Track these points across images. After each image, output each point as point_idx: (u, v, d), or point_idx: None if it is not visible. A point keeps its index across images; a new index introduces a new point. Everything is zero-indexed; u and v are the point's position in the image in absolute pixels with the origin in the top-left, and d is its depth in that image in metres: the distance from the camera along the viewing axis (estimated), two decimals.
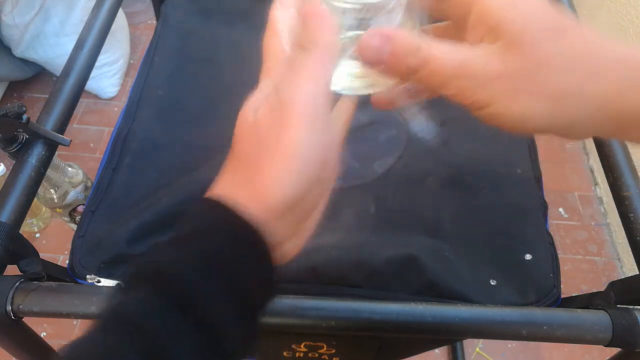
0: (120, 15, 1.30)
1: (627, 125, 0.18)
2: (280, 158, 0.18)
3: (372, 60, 0.19)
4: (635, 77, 0.17)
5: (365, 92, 0.22)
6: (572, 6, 0.53)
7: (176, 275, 0.17)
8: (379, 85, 0.22)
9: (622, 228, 0.39)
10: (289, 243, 0.20)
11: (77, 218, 0.73)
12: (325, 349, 0.43)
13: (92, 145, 1.22)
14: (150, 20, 1.49)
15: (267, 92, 0.21)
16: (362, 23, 0.20)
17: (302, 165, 0.18)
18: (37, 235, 1.07)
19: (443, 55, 0.18)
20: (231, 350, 0.17)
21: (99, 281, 0.39)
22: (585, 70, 0.17)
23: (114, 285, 0.38)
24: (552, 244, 0.43)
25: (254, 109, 0.21)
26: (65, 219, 0.74)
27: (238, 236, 0.17)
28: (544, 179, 0.47)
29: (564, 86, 0.18)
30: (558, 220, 1.14)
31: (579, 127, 0.18)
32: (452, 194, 0.46)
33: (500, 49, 0.18)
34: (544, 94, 0.18)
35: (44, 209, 1.07)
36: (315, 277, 0.39)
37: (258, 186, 0.18)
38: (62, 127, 0.42)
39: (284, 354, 0.45)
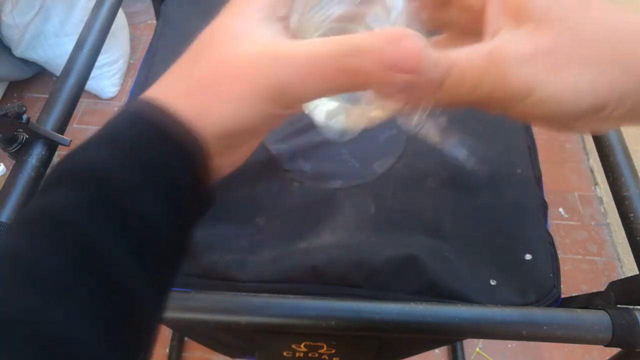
0: (121, 15, 1.30)
1: None
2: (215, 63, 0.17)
3: (392, 93, 0.16)
4: None
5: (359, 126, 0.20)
6: None
7: (111, 177, 0.15)
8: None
9: (622, 228, 0.39)
10: (224, 159, 0.18)
11: None
12: (325, 349, 0.43)
13: None
14: (150, 20, 1.49)
15: None
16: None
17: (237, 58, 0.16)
18: None
19: (466, 55, 0.16)
20: (164, 253, 0.16)
21: None
22: (625, 38, 0.16)
23: None
24: (552, 244, 0.43)
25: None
26: None
27: (171, 136, 0.16)
28: (544, 179, 0.47)
29: (608, 55, 0.16)
30: (558, 220, 1.14)
31: (630, 99, 0.16)
32: (452, 194, 0.46)
33: (529, 30, 0.16)
34: (589, 65, 0.16)
35: None
36: (315, 277, 0.39)
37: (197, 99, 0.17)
38: (62, 127, 0.42)
39: (284, 354, 0.45)
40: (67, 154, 0.16)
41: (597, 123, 0.18)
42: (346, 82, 0.15)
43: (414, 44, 0.15)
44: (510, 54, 0.16)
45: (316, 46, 0.15)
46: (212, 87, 0.16)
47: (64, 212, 0.14)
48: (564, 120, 0.17)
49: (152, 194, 0.15)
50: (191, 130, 0.16)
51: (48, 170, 0.18)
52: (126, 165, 0.15)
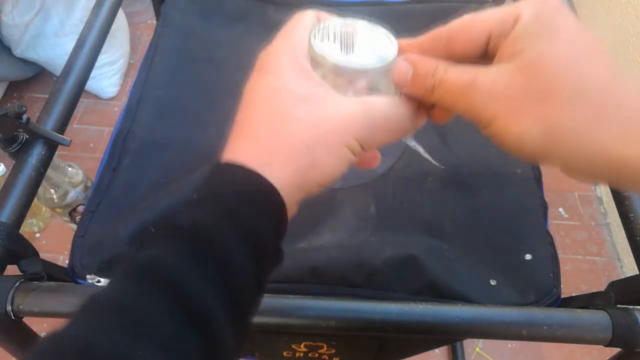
0: (121, 15, 1.30)
1: (630, 174, 0.17)
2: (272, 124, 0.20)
3: (401, 83, 0.21)
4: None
5: None
6: (572, 6, 0.53)
7: (209, 234, 0.18)
8: None
9: (622, 228, 0.39)
10: (294, 207, 0.21)
11: (77, 218, 0.73)
12: (325, 349, 0.43)
13: (92, 145, 1.22)
14: (150, 20, 1.49)
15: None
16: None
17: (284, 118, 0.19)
18: (37, 235, 1.07)
19: (454, 76, 0.20)
20: (248, 301, 0.19)
21: (99, 281, 0.38)
22: (592, 110, 0.17)
23: None
24: (552, 244, 0.43)
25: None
26: (65, 219, 0.74)
27: (271, 210, 0.19)
28: (544, 178, 0.47)
29: (565, 120, 0.18)
30: (558, 220, 1.14)
31: (576, 165, 0.18)
32: (452, 194, 0.46)
33: (512, 69, 0.18)
34: (544, 123, 0.18)
35: (44, 209, 1.07)
36: (316, 277, 0.39)
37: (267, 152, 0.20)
38: (62, 127, 0.42)
39: (284, 353, 0.45)
40: (171, 209, 0.19)
41: (565, 171, 0.19)
42: (399, 131, 0.22)
43: (417, 60, 0.21)
44: (485, 89, 0.19)
45: (392, 105, 0.21)
46: (313, 148, 0.19)
47: (171, 266, 0.17)
48: (520, 154, 0.19)
49: (246, 255, 0.18)
50: (280, 196, 0.19)
51: (155, 222, 0.19)
52: (225, 226, 0.18)
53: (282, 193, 0.19)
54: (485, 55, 0.21)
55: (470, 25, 0.20)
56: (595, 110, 0.17)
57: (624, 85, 0.18)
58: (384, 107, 0.21)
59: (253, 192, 0.19)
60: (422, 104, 0.22)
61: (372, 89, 0.21)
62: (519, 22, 0.19)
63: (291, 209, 0.20)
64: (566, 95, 0.17)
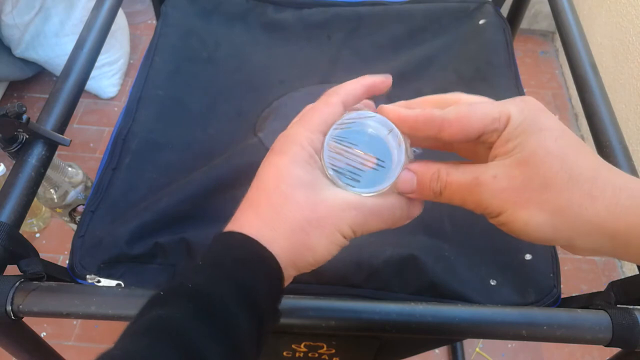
0: (121, 15, 1.30)
1: (623, 244, 0.20)
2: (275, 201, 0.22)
3: (407, 192, 0.24)
4: (627, 203, 0.20)
5: None
6: (572, 6, 0.53)
7: (210, 294, 0.20)
8: None
9: None
10: (289, 271, 0.24)
11: (77, 218, 0.73)
12: (325, 348, 0.43)
13: (92, 145, 1.22)
14: (150, 20, 1.49)
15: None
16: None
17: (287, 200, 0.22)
18: (37, 235, 1.07)
19: (458, 178, 0.22)
20: (249, 349, 0.21)
21: (99, 281, 0.39)
22: (584, 192, 0.20)
23: (114, 285, 0.38)
24: None
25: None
26: (65, 219, 0.74)
27: (269, 275, 0.22)
28: None
29: (564, 204, 0.20)
30: None
31: (579, 242, 0.21)
32: None
33: (511, 164, 0.21)
34: (546, 209, 0.20)
35: (44, 209, 1.07)
36: (316, 277, 0.39)
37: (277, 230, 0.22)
38: (62, 127, 0.42)
39: (284, 353, 0.45)
40: (181, 273, 0.21)
41: (570, 250, 0.22)
42: (390, 223, 0.24)
43: (417, 210, 0.25)
44: (488, 185, 0.21)
45: (383, 204, 0.23)
46: (308, 230, 0.22)
47: (178, 324, 0.19)
48: (529, 238, 0.21)
49: (247, 319, 0.20)
50: (282, 271, 0.22)
51: (164, 286, 0.22)
52: (224, 287, 0.20)
53: (279, 264, 0.22)
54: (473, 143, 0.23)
55: (466, 119, 0.22)
56: (587, 194, 0.20)
57: (606, 171, 0.21)
58: (378, 199, 0.23)
59: (250, 256, 0.21)
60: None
61: None
62: (511, 123, 0.21)
63: (286, 277, 0.23)
64: (561, 182, 0.20)
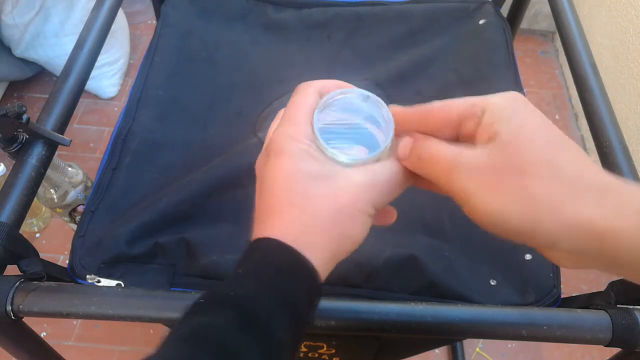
0: (120, 15, 1.30)
1: (611, 245, 0.18)
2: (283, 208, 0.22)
3: (401, 156, 0.24)
4: (613, 202, 0.18)
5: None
6: (572, 6, 0.53)
7: (253, 305, 0.20)
8: None
9: None
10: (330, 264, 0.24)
11: (77, 218, 0.73)
12: (325, 349, 0.43)
13: (92, 145, 1.22)
14: (150, 20, 1.49)
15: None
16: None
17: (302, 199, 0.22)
18: (37, 235, 1.07)
19: (443, 149, 0.22)
20: (286, 358, 0.21)
21: (99, 281, 0.39)
22: (569, 186, 0.18)
23: (114, 285, 0.38)
24: None
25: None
26: (65, 219, 0.74)
27: (307, 281, 0.21)
28: None
29: (544, 196, 0.18)
30: None
31: (563, 243, 0.19)
32: None
33: (492, 147, 0.20)
34: (521, 196, 0.19)
35: (44, 209, 1.07)
36: None
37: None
38: (62, 127, 0.42)
39: None
40: (223, 282, 0.21)
41: (551, 253, 0.21)
42: (400, 188, 0.24)
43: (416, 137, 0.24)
44: (466, 163, 0.21)
45: (392, 170, 0.23)
46: (341, 220, 0.22)
47: (221, 333, 0.19)
48: (504, 231, 0.20)
49: (287, 327, 0.20)
50: (319, 275, 0.22)
51: (205, 294, 0.22)
52: (267, 298, 0.20)
53: (315, 264, 0.21)
54: (457, 138, 0.23)
55: (447, 106, 0.23)
56: (570, 187, 0.18)
57: (591, 166, 0.19)
58: (385, 172, 0.23)
59: (290, 266, 0.21)
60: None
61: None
62: (489, 109, 0.21)
63: (325, 274, 0.23)
64: (542, 171, 0.19)
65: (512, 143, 0.20)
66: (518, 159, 0.19)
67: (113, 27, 0.51)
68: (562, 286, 0.40)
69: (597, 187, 0.18)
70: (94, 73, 0.49)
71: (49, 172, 0.64)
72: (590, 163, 0.20)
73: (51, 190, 0.68)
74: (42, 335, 0.64)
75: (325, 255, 0.22)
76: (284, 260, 0.21)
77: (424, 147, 0.23)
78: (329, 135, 0.24)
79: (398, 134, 0.25)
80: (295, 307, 0.21)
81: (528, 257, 0.41)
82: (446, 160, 0.21)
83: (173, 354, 0.18)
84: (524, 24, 1.30)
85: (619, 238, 0.18)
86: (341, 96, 0.25)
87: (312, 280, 0.21)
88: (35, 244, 0.36)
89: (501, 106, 0.21)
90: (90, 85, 1.27)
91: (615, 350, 0.35)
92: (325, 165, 0.22)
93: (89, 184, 0.73)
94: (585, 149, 1.26)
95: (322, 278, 0.22)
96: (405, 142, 0.24)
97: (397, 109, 0.25)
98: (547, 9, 0.56)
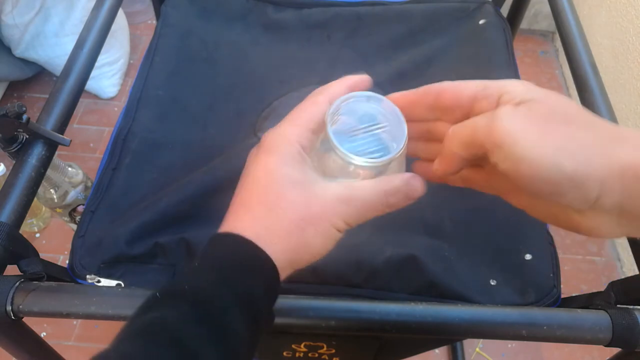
0: (120, 15, 1.30)
1: None
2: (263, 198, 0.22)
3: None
4: None
5: None
6: (572, 6, 0.53)
7: (208, 298, 0.20)
8: None
9: None
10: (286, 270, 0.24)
11: (77, 218, 0.73)
12: (325, 348, 0.43)
13: (92, 145, 1.22)
14: (150, 20, 1.49)
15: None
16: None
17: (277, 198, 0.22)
18: (37, 235, 1.07)
19: (476, 118, 0.21)
20: (244, 352, 0.21)
21: (99, 281, 0.39)
22: (610, 136, 0.19)
23: (114, 285, 0.38)
24: (552, 244, 0.43)
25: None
26: (65, 219, 0.74)
27: (265, 276, 0.21)
28: None
29: (594, 143, 0.19)
30: None
31: (606, 193, 0.18)
32: (452, 193, 0.46)
33: (530, 104, 0.20)
34: (574, 142, 0.18)
35: (44, 209, 1.08)
36: (316, 277, 0.39)
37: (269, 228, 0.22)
38: (62, 127, 0.42)
39: (284, 353, 0.45)
40: (177, 275, 0.22)
41: (591, 213, 0.20)
42: (386, 207, 0.24)
43: (418, 184, 0.24)
44: (506, 112, 0.20)
45: (373, 190, 0.23)
46: (303, 228, 0.22)
47: (175, 326, 0.19)
48: (549, 182, 0.19)
49: (243, 320, 0.20)
50: (279, 272, 0.22)
51: (160, 288, 0.22)
52: (222, 291, 0.20)
53: (275, 264, 0.22)
54: (467, 117, 0.22)
55: (459, 85, 0.22)
56: (612, 136, 0.19)
57: (622, 130, 0.19)
58: (365, 191, 0.23)
59: (248, 259, 0.21)
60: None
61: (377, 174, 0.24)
62: (508, 91, 0.20)
63: (282, 276, 0.23)
64: (586, 123, 0.19)
65: (549, 101, 0.19)
66: (561, 111, 0.19)
67: (113, 27, 0.51)
68: (562, 286, 0.40)
69: (633, 136, 0.19)
70: (94, 73, 0.49)
71: (49, 172, 0.64)
72: (619, 130, 0.20)
73: (51, 190, 0.68)
74: (42, 335, 0.64)
75: (281, 257, 0.22)
76: (241, 255, 0.21)
77: (456, 127, 0.22)
78: (341, 137, 0.23)
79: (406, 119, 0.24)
80: (252, 301, 0.21)
81: (528, 257, 0.41)
82: (485, 119, 0.20)
83: (127, 348, 0.18)
84: (524, 24, 1.30)
85: None
86: (349, 101, 0.25)
87: (269, 275, 0.21)
88: (35, 244, 0.36)
89: (519, 87, 0.21)
90: (91, 85, 1.27)
91: (616, 350, 0.35)
92: (307, 174, 0.23)
93: (89, 184, 0.73)
94: None
95: (281, 278, 0.22)
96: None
97: (397, 95, 0.24)
98: (547, 9, 0.56)
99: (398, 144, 0.24)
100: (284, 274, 0.22)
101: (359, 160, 0.23)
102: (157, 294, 0.21)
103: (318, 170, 0.24)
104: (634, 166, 0.18)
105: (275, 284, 0.22)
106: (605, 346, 0.32)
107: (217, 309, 0.20)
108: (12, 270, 0.34)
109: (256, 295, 0.21)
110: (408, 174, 0.24)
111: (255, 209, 0.22)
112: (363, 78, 0.26)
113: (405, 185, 0.23)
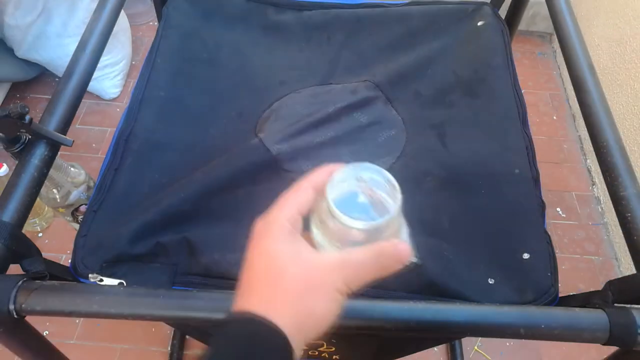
0: (122, 16, 1.31)
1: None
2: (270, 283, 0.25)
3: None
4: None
5: None
6: (569, 8, 0.53)
7: None
8: None
9: (619, 227, 0.39)
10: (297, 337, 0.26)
11: (80, 218, 0.73)
12: (325, 347, 0.44)
13: (94, 145, 1.22)
14: (152, 22, 1.49)
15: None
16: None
17: (283, 279, 0.24)
18: (40, 234, 1.08)
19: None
20: None
21: (101, 280, 0.39)
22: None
23: (116, 284, 0.39)
24: (549, 243, 0.43)
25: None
26: (68, 218, 0.74)
27: (279, 349, 0.23)
28: (542, 179, 0.48)
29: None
30: (556, 219, 1.14)
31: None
32: (451, 193, 0.46)
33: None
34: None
35: (46, 208, 1.08)
36: None
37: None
38: (64, 128, 0.42)
39: None
40: (210, 351, 0.23)
41: None
42: (380, 270, 0.26)
43: (406, 248, 0.27)
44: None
45: (366, 253, 0.25)
46: (305, 297, 0.24)
47: None
48: None
49: None
50: (290, 343, 0.23)
51: None
52: None
53: (285, 332, 0.23)
54: None
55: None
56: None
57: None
58: (359, 254, 0.25)
59: (263, 337, 0.23)
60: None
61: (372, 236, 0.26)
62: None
63: (295, 347, 0.24)
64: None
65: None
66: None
67: (115, 28, 0.52)
68: (559, 285, 0.41)
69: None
70: (96, 74, 0.49)
71: (52, 172, 0.65)
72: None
73: (54, 190, 0.68)
74: (44, 334, 0.64)
75: (290, 325, 0.24)
76: (257, 333, 0.23)
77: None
78: (341, 205, 0.25)
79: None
80: None
81: (526, 256, 0.42)
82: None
83: None
84: (522, 26, 1.30)
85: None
86: (347, 171, 0.27)
87: (284, 349, 0.23)
88: (38, 244, 0.37)
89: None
90: (93, 86, 1.27)
91: (613, 349, 0.35)
92: (301, 247, 0.25)
93: (92, 184, 0.73)
94: (582, 149, 1.26)
95: (294, 349, 0.24)
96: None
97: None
98: (545, 10, 0.56)
99: (393, 207, 0.26)
100: (294, 342, 0.24)
101: (357, 224, 0.25)
102: None
103: (324, 240, 0.26)
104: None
105: (287, 354, 0.23)
106: (603, 345, 0.33)
107: None
108: (15, 269, 0.35)
109: None
110: (396, 240, 0.27)
111: (261, 290, 0.25)
112: (340, 165, 0.28)
113: (394, 248, 0.26)
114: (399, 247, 0.26)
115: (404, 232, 0.28)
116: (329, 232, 0.26)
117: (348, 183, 0.27)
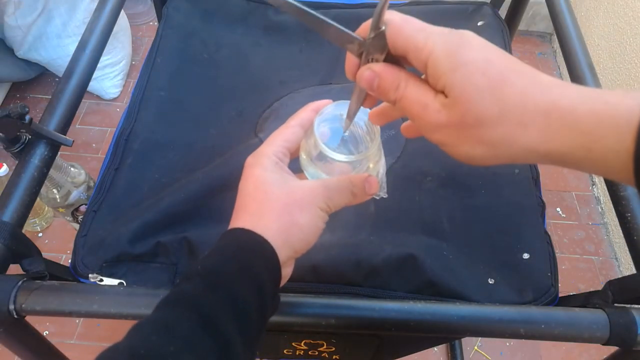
0: (122, 16, 1.31)
1: (559, 160, 0.22)
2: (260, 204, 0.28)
3: (367, 87, 0.25)
4: (557, 125, 0.21)
5: None
6: (569, 8, 0.53)
7: (220, 274, 0.25)
8: None
9: (619, 227, 0.39)
10: (287, 268, 0.28)
11: (80, 218, 0.74)
12: (325, 346, 0.44)
13: (94, 145, 1.23)
14: (152, 22, 1.49)
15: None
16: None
17: (267, 197, 0.27)
18: (40, 234, 1.08)
19: (413, 95, 0.24)
20: (254, 319, 0.25)
21: (101, 280, 0.39)
22: (515, 122, 0.21)
23: (116, 284, 0.39)
24: (549, 243, 0.43)
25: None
26: (68, 218, 0.75)
27: (264, 254, 0.26)
28: (542, 179, 0.48)
29: (498, 137, 0.22)
30: (556, 219, 1.14)
31: (520, 162, 0.23)
32: (451, 193, 0.46)
33: (448, 104, 0.22)
34: (482, 143, 0.22)
35: (46, 208, 1.08)
36: (315, 275, 0.39)
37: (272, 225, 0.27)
38: (64, 128, 0.43)
39: (285, 351, 0.45)
40: (200, 259, 0.26)
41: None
42: (351, 196, 0.29)
43: (374, 182, 0.30)
44: (431, 119, 0.23)
45: (341, 182, 0.29)
46: (291, 211, 0.27)
47: (193, 297, 0.23)
48: (473, 164, 0.24)
49: (248, 288, 0.25)
50: (275, 251, 0.26)
51: (185, 271, 0.26)
52: (231, 268, 0.25)
53: (272, 244, 0.26)
54: None
55: (393, 36, 0.24)
56: (518, 123, 0.21)
57: (535, 92, 0.21)
58: (335, 182, 0.29)
59: (247, 242, 0.26)
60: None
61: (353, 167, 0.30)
62: (431, 64, 0.22)
63: (284, 265, 0.27)
64: (493, 117, 0.21)
65: (463, 98, 0.22)
66: (471, 112, 0.22)
67: (115, 28, 0.52)
68: (559, 285, 0.41)
69: (541, 111, 0.21)
70: (96, 74, 0.49)
71: (52, 172, 0.65)
72: (538, 81, 0.21)
73: (54, 190, 0.68)
74: (44, 334, 0.65)
75: (277, 238, 0.26)
76: (241, 240, 0.26)
77: (398, 91, 0.24)
78: (327, 141, 0.29)
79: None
80: (254, 271, 0.25)
81: (526, 256, 0.42)
82: (417, 107, 0.24)
83: (155, 316, 0.23)
84: (522, 26, 1.30)
85: (563, 153, 0.21)
86: (332, 110, 0.30)
87: (268, 253, 0.26)
88: (38, 244, 0.37)
89: (442, 58, 0.22)
90: (93, 86, 1.28)
91: (613, 349, 0.35)
92: (286, 176, 0.28)
93: (92, 183, 0.73)
94: None
95: (281, 259, 0.26)
96: (368, 77, 0.25)
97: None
98: (545, 10, 0.56)
99: (370, 143, 0.29)
100: (282, 253, 0.26)
101: (339, 157, 0.28)
102: (185, 273, 0.26)
103: (314, 171, 0.29)
104: (536, 149, 0.21)
105: (273, 260, 0.26)
106: (603, 345, 0.33)
107: (225, 281, 0.24)
108: (15, 269, 0.35)
109: (257, 268, 0.25)
110: (367, 174, 0.30)
111: (250, 208, 0.28)
112: (326, 102, 0.31)
113: (364, 180, 0.29)
114: (369, 180, 0.29)
115: (382, 167, 0.31)
116: (316, 165, 0.29)
117: (332, 120, 0.30)
